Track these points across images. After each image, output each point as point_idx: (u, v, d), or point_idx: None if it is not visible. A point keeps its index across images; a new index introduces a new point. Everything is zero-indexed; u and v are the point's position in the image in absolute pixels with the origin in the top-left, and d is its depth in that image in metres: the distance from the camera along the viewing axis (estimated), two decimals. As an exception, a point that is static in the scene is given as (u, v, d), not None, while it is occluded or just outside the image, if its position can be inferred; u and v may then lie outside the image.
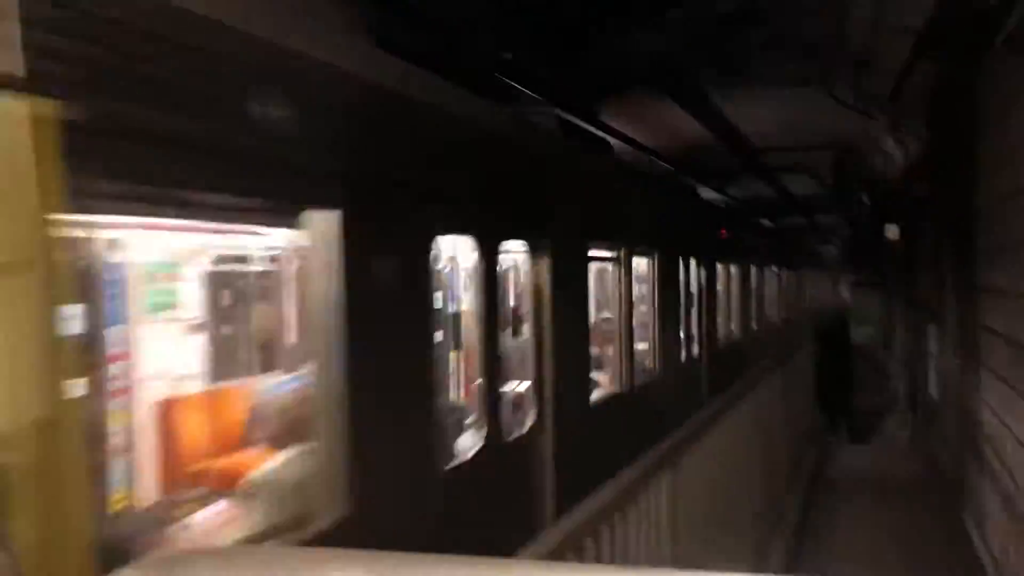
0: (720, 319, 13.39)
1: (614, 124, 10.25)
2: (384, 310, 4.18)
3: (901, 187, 13.59)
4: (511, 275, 7.07)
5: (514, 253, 6.52)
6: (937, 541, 7.90)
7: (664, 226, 10.40)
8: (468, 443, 5.47)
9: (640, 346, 8.97)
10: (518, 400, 6.33)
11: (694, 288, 11.66)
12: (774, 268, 20.50)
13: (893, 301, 17.45)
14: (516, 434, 5.95)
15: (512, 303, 7.11)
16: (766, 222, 23.69)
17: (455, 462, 5.06)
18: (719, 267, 13.41)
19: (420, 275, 4.69)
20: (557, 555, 2.62)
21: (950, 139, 8.73)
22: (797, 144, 14.43)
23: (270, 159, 3.45)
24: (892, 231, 13.66)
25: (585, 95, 9.44)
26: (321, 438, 3.75)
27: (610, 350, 8.52)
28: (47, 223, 2.36)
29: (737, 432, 5.32)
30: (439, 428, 4.90)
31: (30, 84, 2.31)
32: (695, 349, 11.51)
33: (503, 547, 2.98)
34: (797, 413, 9.22)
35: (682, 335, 10.89)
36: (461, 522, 4.69)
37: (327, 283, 3.75)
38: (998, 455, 6.29)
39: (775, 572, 6.37)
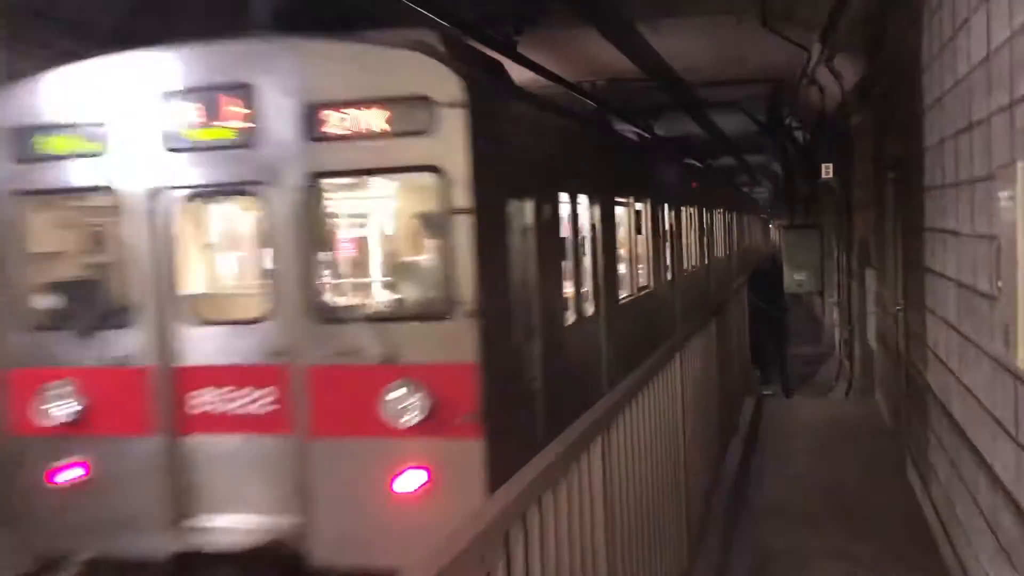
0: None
1: (534, 59, 9.63)
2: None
3: (837, 123, 13.17)
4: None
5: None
6: (879, 495, 7.57)
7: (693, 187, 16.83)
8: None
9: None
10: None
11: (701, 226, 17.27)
12: (719, 210, 24.15)
13: (828, 245, 17.15)
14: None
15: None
16: (696, 163, 23.44)
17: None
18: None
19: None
20: (501, 524, 2.49)
21: (891, 71, 8.27)
22: (728, 78, 13.91)
23: None
24: (827, 170, 13.27)
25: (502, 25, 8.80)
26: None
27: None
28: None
29: (669, 393, 5.04)
30: None
31: None
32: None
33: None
34: (731, 367, 8.88)
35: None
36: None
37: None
38: (944, 405, 5.93)
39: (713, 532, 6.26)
